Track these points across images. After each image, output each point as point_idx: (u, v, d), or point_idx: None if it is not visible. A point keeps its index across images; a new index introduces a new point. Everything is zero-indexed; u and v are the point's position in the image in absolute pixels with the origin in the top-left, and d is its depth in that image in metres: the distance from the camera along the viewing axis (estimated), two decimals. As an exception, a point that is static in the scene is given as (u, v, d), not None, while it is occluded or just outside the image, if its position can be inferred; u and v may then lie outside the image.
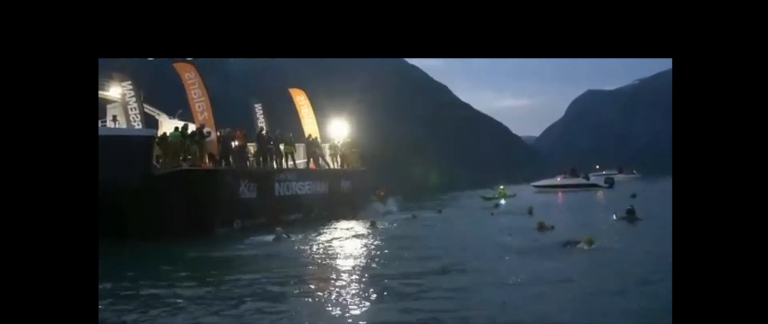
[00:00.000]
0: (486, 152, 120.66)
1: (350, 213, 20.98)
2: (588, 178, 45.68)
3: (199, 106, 17.59)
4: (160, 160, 16.24)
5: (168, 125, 18.81)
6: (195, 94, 17.49)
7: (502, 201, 29.81)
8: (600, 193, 36.16)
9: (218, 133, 17.69)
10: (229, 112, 23.20)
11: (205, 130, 17.14)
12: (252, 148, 19.43)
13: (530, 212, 19.81)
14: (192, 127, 17.09)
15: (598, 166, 72.77)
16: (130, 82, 16.47)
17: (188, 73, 17.63)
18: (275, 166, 20.08)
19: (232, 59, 76.17)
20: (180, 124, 17.81)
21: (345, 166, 23.82)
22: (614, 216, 16.49)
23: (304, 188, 20.65)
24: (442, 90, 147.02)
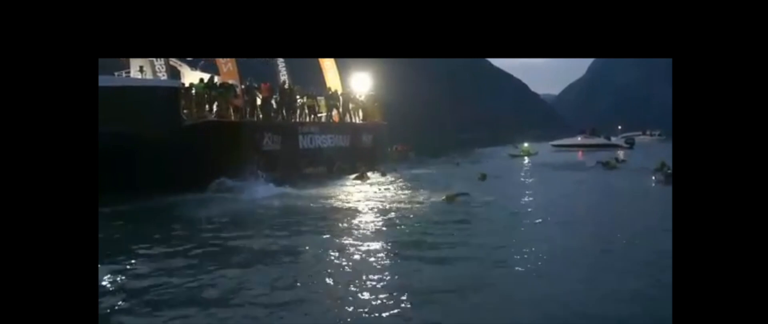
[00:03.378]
0: (504, 110, 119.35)
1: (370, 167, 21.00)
2: (609, 139, 45.42)
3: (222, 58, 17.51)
4: (185, 111, 16.32)
5: (190, 76, 18.82)
6: (219, 45, 17.42)
7: (526, 159, 29.67)
8: (620, 154, 35.97)
9: (243, 86, 17.67)
10: (252, 64, 23.08)
11: (229, 82, 17.13)
12: (275, 101, 19.43)
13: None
14: (216, 80, 17.07)
15: (620, 127, 72.04)
16: (155, 33, 16.40)
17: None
18: (298, 118, 20.14)
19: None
20: (202, 75, 17.79)
21: (366, 120, 23.80)
22: (653, 178, 16.26)
23: (327, 141, 20.73)
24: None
